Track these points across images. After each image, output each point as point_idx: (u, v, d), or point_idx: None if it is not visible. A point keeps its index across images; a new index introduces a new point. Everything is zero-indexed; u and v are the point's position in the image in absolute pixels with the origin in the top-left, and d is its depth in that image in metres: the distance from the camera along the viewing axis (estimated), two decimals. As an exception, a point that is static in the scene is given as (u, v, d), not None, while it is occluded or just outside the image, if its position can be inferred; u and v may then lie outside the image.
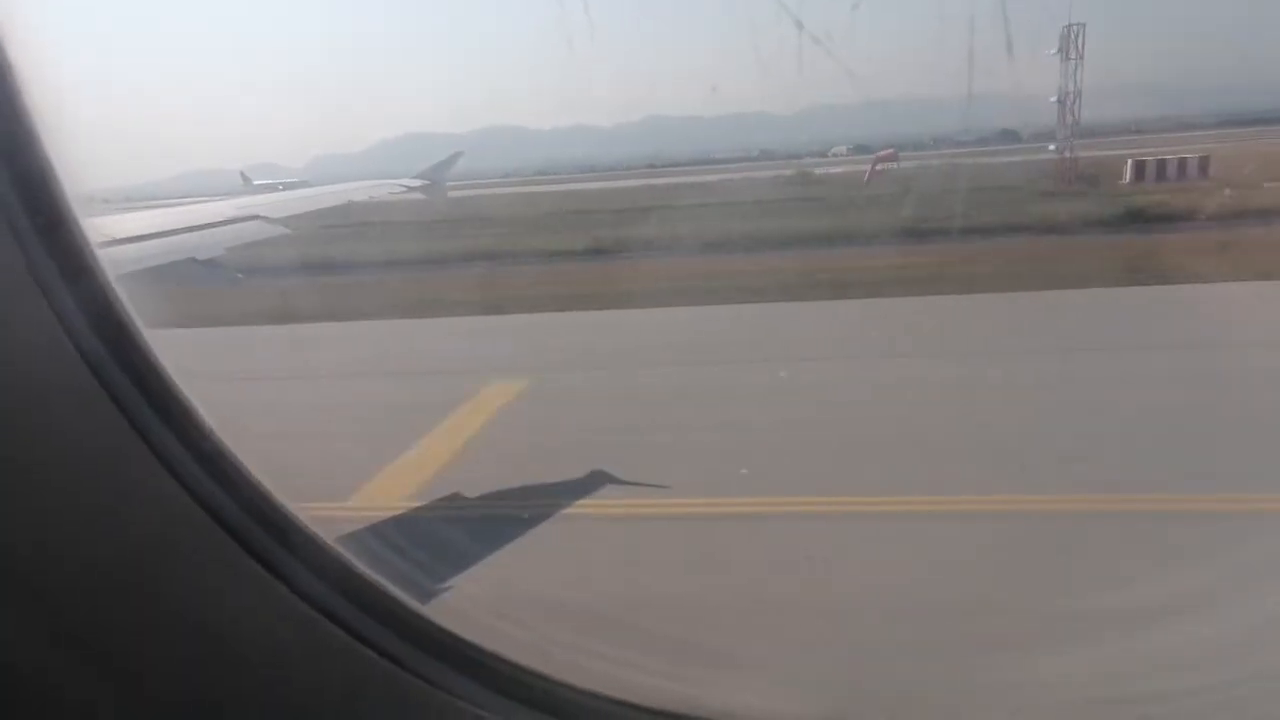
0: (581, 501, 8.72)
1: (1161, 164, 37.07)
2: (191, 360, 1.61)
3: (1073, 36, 37.42)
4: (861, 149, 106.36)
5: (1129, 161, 37.87)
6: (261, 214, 12.09)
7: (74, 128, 1.48)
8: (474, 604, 6.10)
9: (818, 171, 58.30)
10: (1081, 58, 37.24)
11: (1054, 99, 39.68)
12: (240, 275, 11.24)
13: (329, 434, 11.64)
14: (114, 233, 8.61)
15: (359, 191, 13.75)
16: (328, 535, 1.66)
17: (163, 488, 1.42)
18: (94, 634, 1.43)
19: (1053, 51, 37.90)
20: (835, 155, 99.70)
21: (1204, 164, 36.62)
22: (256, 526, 1.53)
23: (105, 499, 1.41)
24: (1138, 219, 27.37)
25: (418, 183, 14.80)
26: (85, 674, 1.44)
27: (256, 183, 14.39)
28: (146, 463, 1.41)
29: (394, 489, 9.49)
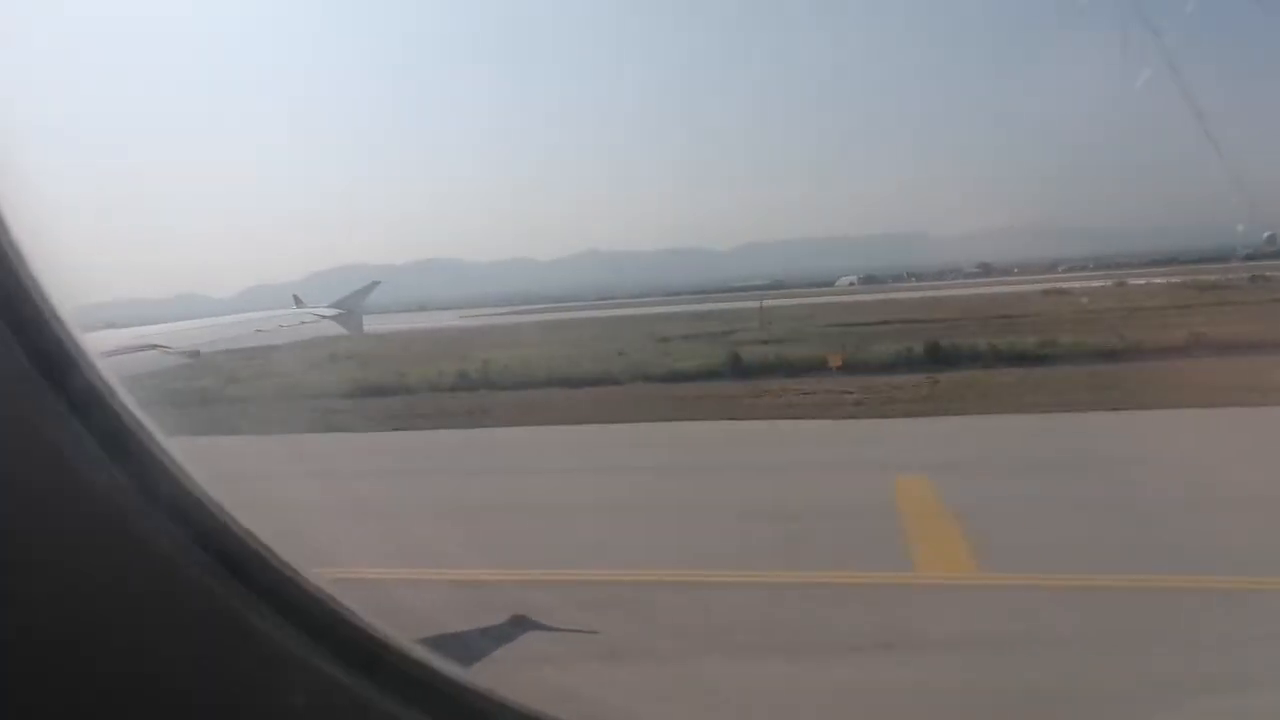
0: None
1: None
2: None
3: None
4: (871, 279, 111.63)
5: None
6: (160, 343, 11.63)
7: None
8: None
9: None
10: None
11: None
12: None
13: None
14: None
15: (268, 321, 13.33)
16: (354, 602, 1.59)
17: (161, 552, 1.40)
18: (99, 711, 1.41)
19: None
20: (845, 285, 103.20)
21: None
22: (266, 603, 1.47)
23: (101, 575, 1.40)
24: None
25: (332, 312, 14.45)
26: None
27: (309, 307, 13.93)
28: (145, 538, 1.40)
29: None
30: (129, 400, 1.51)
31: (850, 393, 23.84)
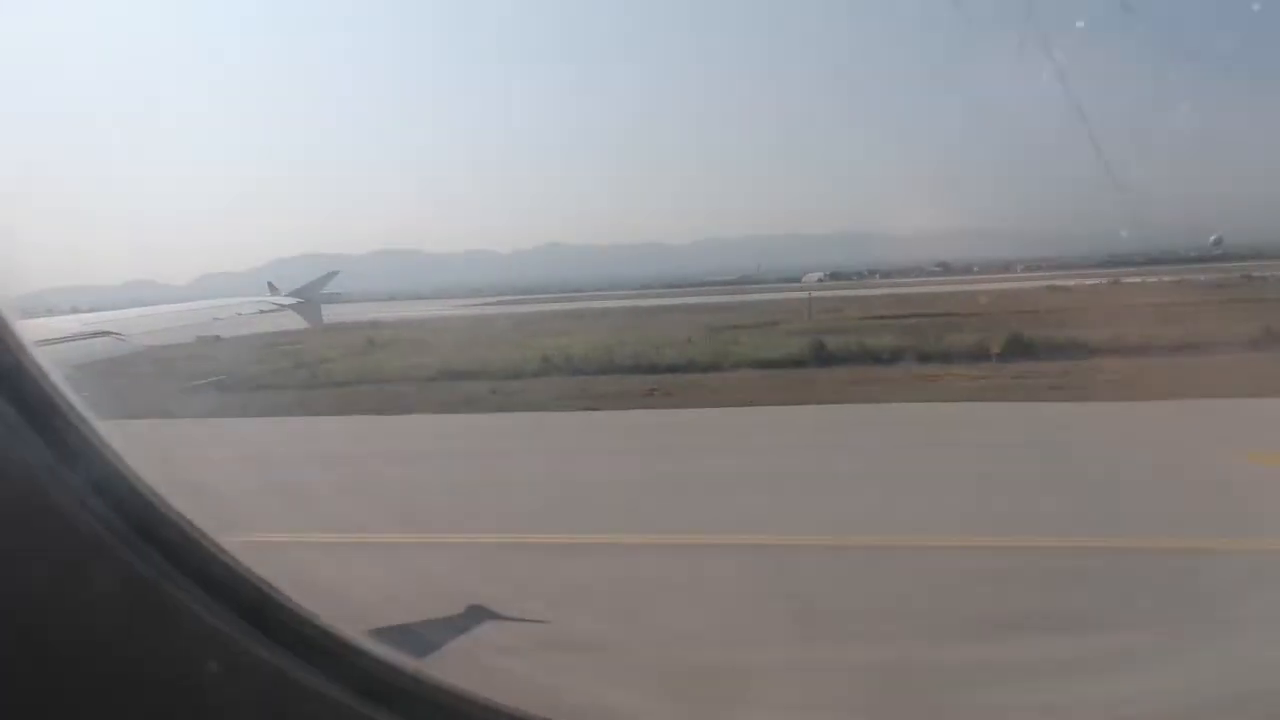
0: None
1: None
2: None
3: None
4: (837, 275, 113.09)
5: None
6: (114, 330, 11.53)
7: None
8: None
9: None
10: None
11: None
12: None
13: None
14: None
15: (224, 309, 13.27)
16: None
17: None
18: None
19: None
20: (814, 281, 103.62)
21: None
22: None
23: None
24: None
25: (290, 301, 14.40)
26: None
27: (283, 293, 13.44)
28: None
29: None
30: (55, 377, 1.49)
31: (1024, 377, 22.64)
